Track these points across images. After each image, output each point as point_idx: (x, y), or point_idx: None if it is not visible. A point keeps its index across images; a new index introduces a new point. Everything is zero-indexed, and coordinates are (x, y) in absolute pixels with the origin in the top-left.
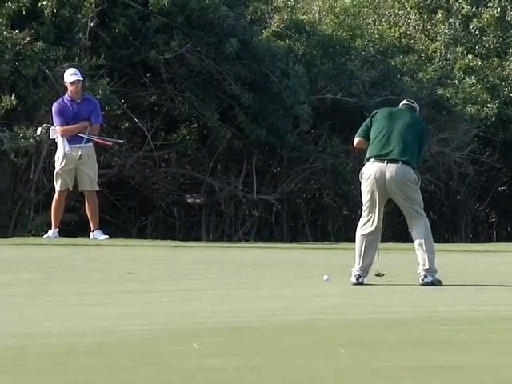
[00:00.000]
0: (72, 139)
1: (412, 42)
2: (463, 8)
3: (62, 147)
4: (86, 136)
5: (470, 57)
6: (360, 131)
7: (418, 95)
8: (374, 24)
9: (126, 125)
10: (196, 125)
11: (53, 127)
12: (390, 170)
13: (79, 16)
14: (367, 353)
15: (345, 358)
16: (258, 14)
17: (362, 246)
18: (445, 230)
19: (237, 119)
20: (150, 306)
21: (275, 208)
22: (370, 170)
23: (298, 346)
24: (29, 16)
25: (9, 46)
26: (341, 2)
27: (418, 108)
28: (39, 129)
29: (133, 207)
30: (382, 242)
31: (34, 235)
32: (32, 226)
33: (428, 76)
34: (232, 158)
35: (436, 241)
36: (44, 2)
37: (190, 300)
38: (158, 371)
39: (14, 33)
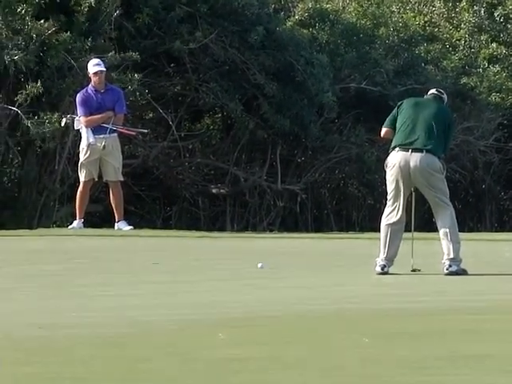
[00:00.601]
0: (96, 130)
1: (436, 30)
2: None
3: (86, 138)
4: (110, 126)
5: (495, 45)
6: (387, 121)
7: (443, 84)
8: (399, 12)
9: (151, 115)
10: (220, 115)
11: (77, 118)
12: (415, 158)
13: (103, 6)
14: (392, 342)
15: (369, 347)
16: (282, 2)
17: (386, 235)
18: (470, 219)
19: (261, 109)
20: (174, 297)
21: (300, 198)
22: (395, 159)
23: (323, 336)
24: (54, 6)
25: (34, 36)
26: None
27: (446, 98)
28: (64, 119)
29: (157, 198)
30: (407, 230)
31: (58, 226)
32: (57, 217)
33: (452, 64)
34: (256, 147)
35: (461, 230)
36: None
37: (215, 290)
38: (183, 362)
39: (39, 23)
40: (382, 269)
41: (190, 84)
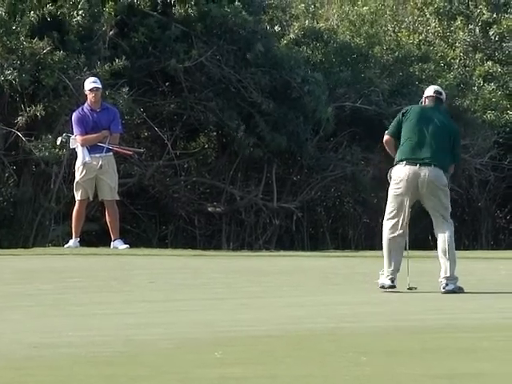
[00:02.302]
0: (92, 149)
1: (431, 48)
2: (483, 14)
3: (81, 157)
4: (106, 145)
5: (490, 63)
6: (391, 128)
7: None
8: (394, 31)
9: (146, 134)
10: (215, 133)
11: (73, 137)
12: (424, 172)
13: (98, 25)
14: (389, 360)
15: (366, 365)
16: (275, 21)
17: (391, 249)
18: (466, 237)
19: (257, 127)
20: (171, 316)
21: (295, 216)
22: (403, 173)
23: (320, 355)
24: (49, 26)
25: (28, 55)
26: (357, 10)
27: (444, 97)
28: (59, 138)
29: (153, 216)
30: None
31: (54, 245)
32: (53, 236)
33: (447, 83)
34: (252, 166)
35: (457, 248)
36: (64, 13)
37: (211, 309)
38: (179, 381)
39: (34, 42)
40: (392, 281)
41: (186, 103)
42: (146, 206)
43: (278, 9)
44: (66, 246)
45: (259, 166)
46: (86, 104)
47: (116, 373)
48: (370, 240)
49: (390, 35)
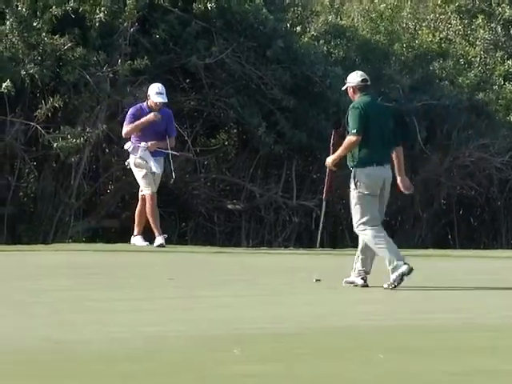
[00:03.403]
0: (153, 153)
1: (452, 46)
2: (505, 12)
3: (151, 166)
4: (168, 151)
5: (510, 62)
6: (359, 126)
7: (458, 99)
8: (414, 29)
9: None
10: (235, 130)
11: (143, 144)
12: (388, 173)
13: (120, 21)
14: (407, 358)
15: (384, 363)
16: (298, 18)
17: (389, 242)
18: (485, 236)
19: (278, 124)
20: (190, 313)
21: (315, 214)
22: (376, 176)
23: (338, 352)
24: (70, 21)
25: (50, 51)
26: (376, 7)
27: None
28: (128, 143)
29: (173, 213)
30: (423, 247)
31: (74, 241)
32: (72, 232)
33: (468, 81)
34: (272, 163)
35: (476, 247)
36: (85, 9)
37: (231, 306)
38: (198, 378)
39: (55, 38)
40: (409, 272)
41: (206, 99)
42: (166, 203)
43: (299, 6)
44: (132, 242)
45: (279, 163)
46: (145, 103)
47: (134, 370)
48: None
49: (411, 33)
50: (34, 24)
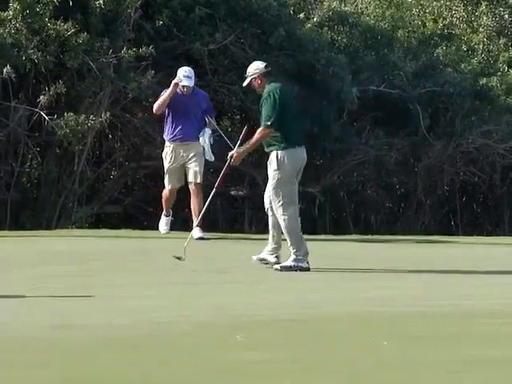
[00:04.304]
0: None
1: (455, 33)
2: None
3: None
4: (215, 129)
5: None
6: (274, 118)
7: (462, 85)
8: (418, 15)
9: None
10: (239, 116)
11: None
12: (305, 153)
13: (123, 7)
14: (410, 345)
15: (389, 350)
16: (301, 4)
17: (299, 230)
18: (488, 223)
19: None
20: (193, 299)
21: (318, 201)
22: (300, 157)
23: (341, 339)
24: (73, 7)
25: (53, 36)
26: None
27: None
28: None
29: (177, 199)
30: (426, 234)
31: (77, 227)
32: (76, 218)
33: (470, 67)
34: None
35: (479, 233)
36: None
37: (233, 292)
38: (201, 364)
39: (58, 23)
40: (308, 263)
41: (210, 86)
42: None
43: None
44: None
45: None
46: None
47: (139, 355)
48: (393, 225)
49: (414, 19)
50: (37, 9)
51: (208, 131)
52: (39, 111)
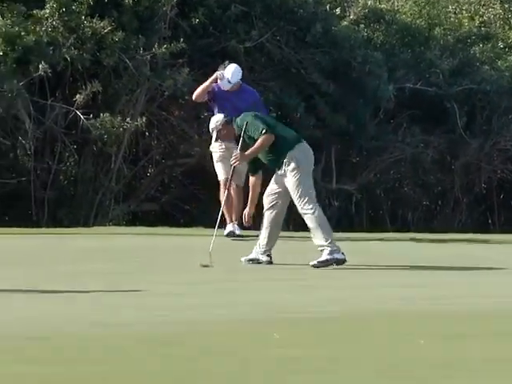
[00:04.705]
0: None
1: (492, 30)
2: None
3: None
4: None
5: None
6: (270, 125)
7: (498, 83)
8: (455, 13)
9: (206, 114)
10: (275, 114)
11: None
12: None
13: (159, 5)
14: (447, 344)
15: (424, 348)
16: (337, 1)
17: (325, 220)
18: None
19: (317, 108)
20: (230, 296)
21: (355, 198)
22: (308, 149)
23: (378, 337)
24: (109, 5)
25: (89, 34)
26: None
27: None
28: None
29: (213, 197)
30: (463, 231)
31: (114, 225)
32: (113, 216)
33: (506, 64)
34: (311, 147)
35: None
36: None
37: (270, 290)
38: (238, 361)
39: (94, 21)
40: (344, 254)
41: (246, 83)
42: (206, 186)
43: None
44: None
45: (318, 147)
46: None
47: (174, 353)
48: (430, 222)
49: (451, 17)
50: (74, 7)
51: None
52: (75, 110)
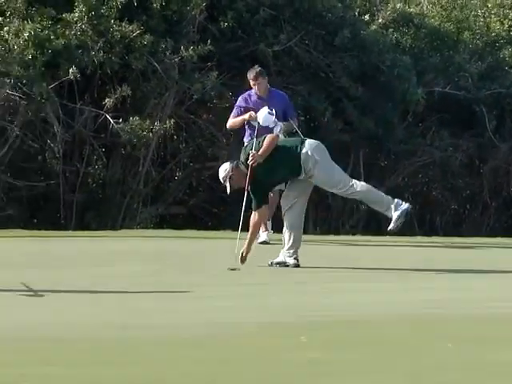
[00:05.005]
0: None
1: None
2: None
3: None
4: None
5: None
6: None
7: None
8: (483, 16)
9: None
10: (303, 118)
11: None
12: None
13: (188, 9)
14: (476, 348)
15: (453, 353)
16: (366, 6)
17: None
18: None
19: (345, 112)
20: (256, 299)
21: None
22: (317, 142)
23: (405, 340)
24: (138, 9)
25: (118, 38)
26: None
27: None
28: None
29: (241, 200)
30: (492, 236)
31: (142, 228)
32: (141, 219)
33: None
34: (339, 151)
35: None
36: None
37: (298, 293)
38: (266, 364)
39: (123, 25)
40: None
41: (274, 87)
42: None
43: None
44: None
45: (347, 150)
46: (253, 90)
47: (203, 355)
48: (458, 227)
49: (480, 20)
50: (102, 11)
51: (280, 124)
52: (104, 113)
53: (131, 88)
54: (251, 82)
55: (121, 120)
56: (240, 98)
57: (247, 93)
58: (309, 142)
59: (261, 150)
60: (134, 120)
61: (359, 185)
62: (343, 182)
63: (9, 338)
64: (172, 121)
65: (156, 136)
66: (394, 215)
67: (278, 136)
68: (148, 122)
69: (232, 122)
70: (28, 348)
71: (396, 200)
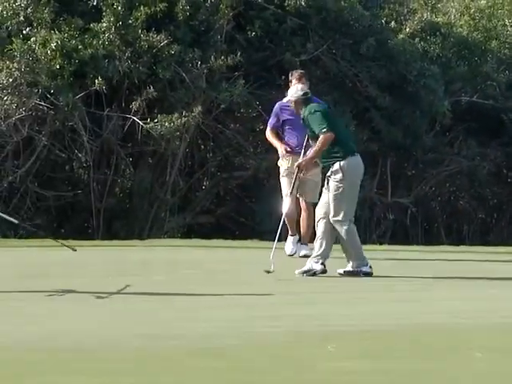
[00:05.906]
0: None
1: None
2: None
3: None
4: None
5: None
6: (329, 125)
7: None
8: (511, 26)
9: (261, 127)
10: None
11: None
12: (361, 161)
13: (215, 19)
14: (505, 358)
15: (482, 362)
16: (394, 15)
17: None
18: None
19: (372, 121)
20: (283, 309)
21: (410, 211)
22: (360, 164)
23: (434, 350)
24: (164, 19)
25: (146, 48)
26: (476, 4)
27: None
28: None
29: (268, 209)
30: (502, 244)
31: (169, 237)
32: (168, 228)
33: None
34: (366, 160)
35: None
36: (180, 7)
37: (323, 303)
38: (293, 375)
39: (151, 35)
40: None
41: None
42: (261, 199)
43: (395, 4)
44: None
45: (374, 160)
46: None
47: (225, 365)
48: (486, 236)
49: (507, 30)
50: (130, 21)
51: None
52: (133, 117)
53: (159, 97)
54: (293, 82)
55: (149, 120)
56: (276, 106)
57: (284, 102)
58: (355, 160)
59: (310, 154)
60: (163, 116)
61: (349, 229)
62: (343, 213)
63: (35, 347)
64: (199, 109)
65: (187, 130)
66: (351, 267)
67: (331, 137)
68: (176, 114)
69: (270, 137)
70: (48, 357)
71: (368, 262)
